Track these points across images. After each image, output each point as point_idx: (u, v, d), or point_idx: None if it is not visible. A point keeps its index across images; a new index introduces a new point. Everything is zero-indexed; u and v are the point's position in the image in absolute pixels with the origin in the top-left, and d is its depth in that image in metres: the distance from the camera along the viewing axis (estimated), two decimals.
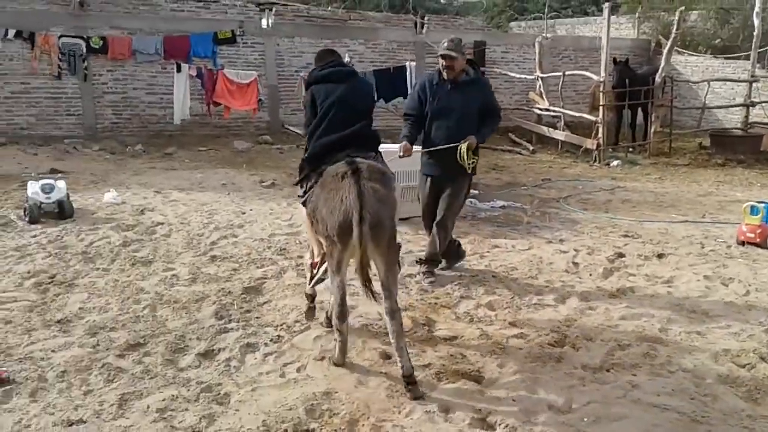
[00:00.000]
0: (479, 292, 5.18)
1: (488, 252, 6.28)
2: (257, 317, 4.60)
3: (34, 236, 6.37)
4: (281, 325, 4.44)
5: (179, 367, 3.86)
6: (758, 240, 6.53)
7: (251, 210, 7.67)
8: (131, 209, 7.53)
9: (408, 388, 3.52)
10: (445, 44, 5.17)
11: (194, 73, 12.24)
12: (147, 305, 4.73)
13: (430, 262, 5.52)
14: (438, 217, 5.41)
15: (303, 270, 5.47)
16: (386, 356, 3.96)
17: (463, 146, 5.13)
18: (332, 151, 4.00)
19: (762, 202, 6.68)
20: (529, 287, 5.29)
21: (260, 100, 12.90)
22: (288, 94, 14.14)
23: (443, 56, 5.16)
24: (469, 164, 5.21)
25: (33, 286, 5.05)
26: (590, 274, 5.69)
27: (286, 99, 14.25)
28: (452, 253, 5.72)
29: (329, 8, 16.28)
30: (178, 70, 12.16)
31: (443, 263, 5.71)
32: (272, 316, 4.62)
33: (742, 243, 6.62)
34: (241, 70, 12.95)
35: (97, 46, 12.29)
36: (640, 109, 13.64)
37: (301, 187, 4.27)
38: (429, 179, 5.49)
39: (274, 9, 14.06)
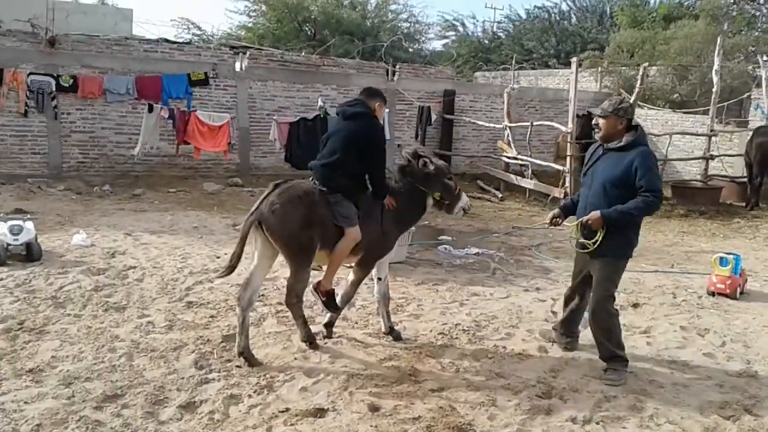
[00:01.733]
0: (462, 341, 5.15)
1: (467, 300, 6.28)
2: (239, 366, 4.47)
3: (1, 279, 6.13)
4: (264, 374, 4.33)
5: (160, 420, 3.72)
6: (728, 291, 6.69)
7: (226, 254, 7.52)
8: (101, 252, 7.33)
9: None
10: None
11: (166, 115, 12.14)
12: (123, 354, 4.57)
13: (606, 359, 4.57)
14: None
15: (283, 317, 5.40)
16: (375, 408, 3.88)
17: (576, 222, 4.50)
18: (311, 174, 4.75)
19: (731, 254, 6.86)
20: (511, 336, 5.29)
21: (231, 143, 12.84)
22: (259, 137, 14.13)
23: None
24: (577, 241, 4.55)
25: (1, 333, 4.83)
26: None
27: (257, 142, 14.23)
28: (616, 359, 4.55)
29: (302, 54, 16.44)
30: (150, 110, 12.06)
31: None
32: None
33: (713, 294, 6.76)
34: (214, 112, 12.89)
35: (67, 85, 12.13)
36: None
37: None
38: None
39: (248, 53, 14.15)
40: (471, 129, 16.70)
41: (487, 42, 31.88)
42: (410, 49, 25.69)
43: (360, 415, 3.80)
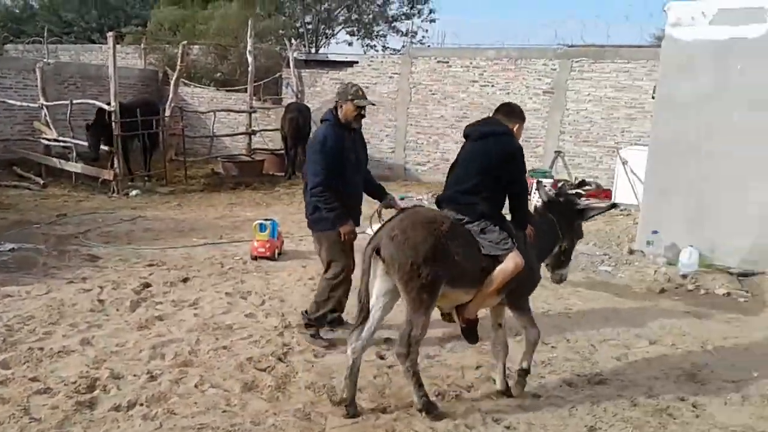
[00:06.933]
0: None
1: None
2: None
3: None
4: None
5: None
6: (268, 253, 7.37)
7: None
8: None
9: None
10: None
11: None
12: None
13: None
14: None
15: None
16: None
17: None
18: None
19: (268, 220, 7.56)
20: (51, 334, 4.87)
21: None
22: None
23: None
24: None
25: None
26: (117, 309, 5.55)
27: None
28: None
29: None
30: None
31: None
32: None
33: (255, 258, 7.37)
34: None
35: None
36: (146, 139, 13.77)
37: None
38: None
39: None
40: (2, 109, 14.64)
41: (18, 11, 28.37)
42: None
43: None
